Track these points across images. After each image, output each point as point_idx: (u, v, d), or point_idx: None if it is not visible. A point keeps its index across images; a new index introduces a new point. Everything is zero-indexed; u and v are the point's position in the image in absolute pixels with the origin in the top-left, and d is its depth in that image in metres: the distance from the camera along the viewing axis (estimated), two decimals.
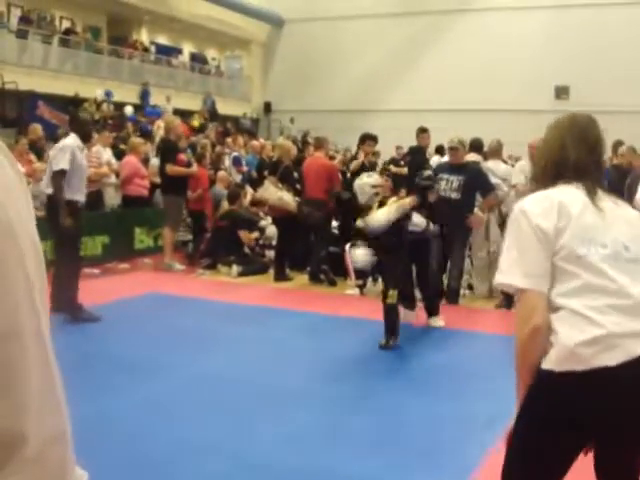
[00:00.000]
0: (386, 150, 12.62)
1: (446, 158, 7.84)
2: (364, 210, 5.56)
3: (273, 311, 6.78)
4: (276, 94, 25.17)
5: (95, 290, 7.07)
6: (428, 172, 6.53)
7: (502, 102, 20.73)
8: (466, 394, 4.50)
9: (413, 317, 5.97)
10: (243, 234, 8.99)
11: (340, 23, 23.62)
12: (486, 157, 7.85)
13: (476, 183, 6.95)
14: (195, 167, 9.06)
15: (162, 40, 24.50)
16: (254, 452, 3.52)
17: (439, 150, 10.32)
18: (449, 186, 6.93)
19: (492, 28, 21.47)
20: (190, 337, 5.68)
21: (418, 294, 6.30)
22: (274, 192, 8.33)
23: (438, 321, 6.31)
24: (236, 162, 12.60)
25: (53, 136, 11.88)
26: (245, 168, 12.42)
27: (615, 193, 2.04)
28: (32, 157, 9.08)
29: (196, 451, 3.49)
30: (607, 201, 1.93)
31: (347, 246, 5.71)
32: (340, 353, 5.36)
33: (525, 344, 1.86)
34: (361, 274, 5.82)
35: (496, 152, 7.97)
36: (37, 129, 10.73)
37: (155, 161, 9.98)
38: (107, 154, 9.94)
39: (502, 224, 7.80)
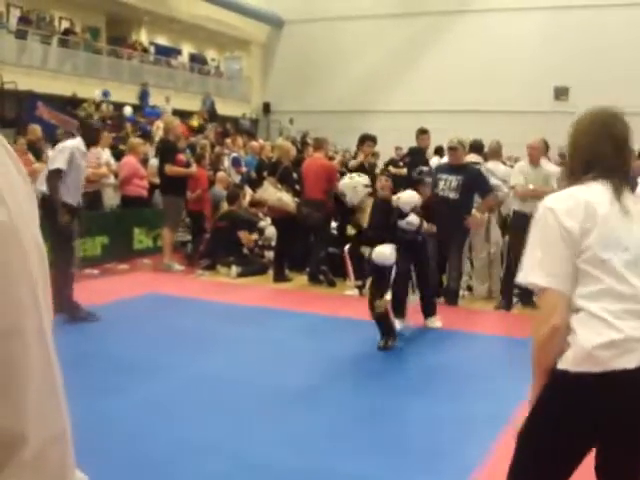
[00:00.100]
0: (385, 151, 12.62)
1: (445, 159, 7.85)
2: (357, 211, 5.47)
3: (272, 312, 6.78)
4: (275, 95, 25.17)
5: (94, 290, 7.07)
6: (423, 168, 6.58)
7: (501, 103, 20.75)
8: (465, 395, 4.50)
9: (402, 324, 5.90)
10: (243, 235, 8.99)
11: (339, 24, 23.62)
12: (486, 158, 7.86)
13: (475, 184, 6.95)
14: (194, 167, 9.06)
15: (161, 41, 24.50)
16: (254, 452, 3.52)
17: (438, 151, 10.32)
18: (447, 186, 6.93)
19: (492, 29, 21.48)
20: (189, 337, 5.68)
21: (413, 296, 6.32)
22: (273, 193, 8.33)
23: (435, 322, 6.29)
24: (235, 163, 12.60)
25: (52, 137, 11.89)
26: (244, 169, 12.42)
27: None
28: (31, 157, 9.09)
29: (196, 451, 3.49)
30: (631, 200, 1.92)
31: (346, 248, 5.68)
32: (339, 354, 5.36)
33: (543, 343, 1.87)
34: (361, 275, 5.75)
35: (496, 153, 7.99)
36: (36, 129, 10.72)
37: (154, 161, 9.98)
38: (106, 154, 9.95)
39: (502, 225, 7.82)
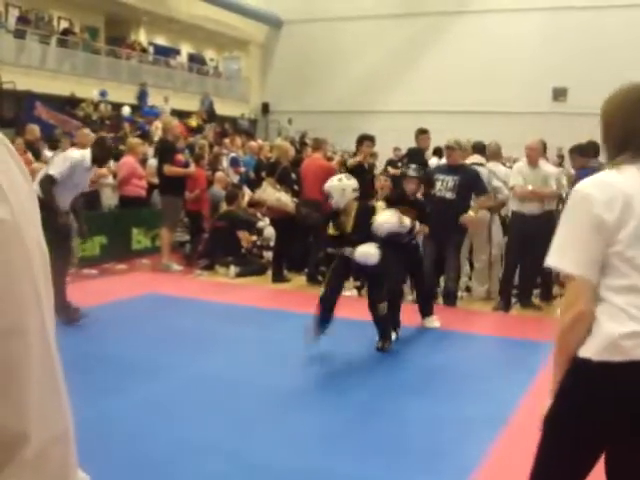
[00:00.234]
0: (384, 151, 12.61)
1: (444, 160, 7.85)
2: (342, 214, 5.33)
3: (271, 312, 6.78)
4: (274, 95, 25.17)
5: (93, 291, 7.07)
6: (412, 165, 6.60)
7: (500, 104, 20.77)
8: (464, 395, 4.51)
9: (395, 335, 5.81)
10: (243, 235, 8.99)
11: (339, 24, 23.63)
12: (487, 160, 7.88)
13: (471, 184, 6.94)
14: (193, 168, 9.06)
15: (160, 41, 24.48)
16: (254, 452, 3.52)
17: (437, 152, 10.32)
18: (444, 186, 6.94)
19: (491, 30, 21.50)
20: (188, 338, 5.68)
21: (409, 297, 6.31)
22: (272, 193, 8.32)
23: (433, 322, 6.30)
24: (234, 163, 12.60)
25: (50, 137, 11.88)
26: (243, 169, 12.42)
27: None
28: (30, 156, 9.09)
29: (196, 451, 3.49)
30: None
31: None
32: (338, 354, 5.37)
33: (567, 329, 1.88)
34: (360, 274, 5.72)
35: (495, 154, 8.01)
36: (35, 130, 10.72)
37: (153, 161, 9.97)
38: None
39: (503, 227, 7.83)
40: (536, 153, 7.02)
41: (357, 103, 22.87)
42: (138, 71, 20.49)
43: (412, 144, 8.74)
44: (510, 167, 8.39)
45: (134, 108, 17.89)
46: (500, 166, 7.93)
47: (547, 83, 21.04)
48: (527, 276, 7.26)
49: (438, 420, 4.07)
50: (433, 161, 9.35)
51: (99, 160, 6.09)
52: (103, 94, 17.28)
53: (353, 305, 6.35)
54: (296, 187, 8.67)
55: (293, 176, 8.73)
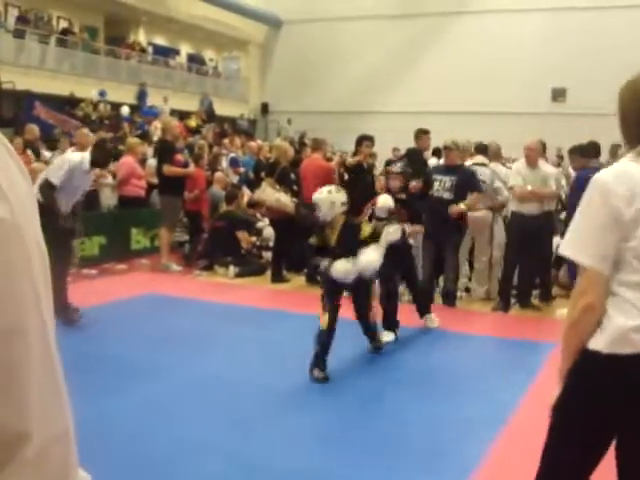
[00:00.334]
0: (383, 152, 12.61)
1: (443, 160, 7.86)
2: (327, 227, 5.06)
3: (270, 312, 6.78)
4: (274, 95, 25.17)
5: (93, 291, 7.07)
6: (399, 163, 6.62)
7: (499, 104, 20.79)
8: (463, 395, 4.51)
9: (393, 337, 5.78)
10: (242, 237, 8.99)
11: (338, 24, 23.64)
12: (489, 160, 7.90)
13: (468, 183, 6.94)
14: (192, 168, 9.06)
15: (159, 41, 24.48)
16: (253, 452, 3.52)
17: (436, 152, 10.32)
18: (442, 186, 6.94)
19: (490, 30, 21.51)
20: (188, 338, 5.68)
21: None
22: (271, 193, 8.32)
23: (433, 320, 6.30)
24: (233, 163, 12.60)
25: (49, 137, 11.88)
26: (242, 169, 12.42)
27: None
28: (30, 154, 9.09)
29: (196, 451, 3.50)
30: None
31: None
32: (337, 354, 5.35)
33: (575, 319, 1.87)
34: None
35: (496, 155, 8.02)
36: (34, 129, 10.71)
37: (152, 162, 9.97)
38: None
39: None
40: (535, 153, 7.02)
41: (356, 103, 22.88)
42: (137, 71, 20.50)
43: (411, 144, 8.72)
44: (510, 167, 8.39)
45: (133, 108, 17.89)
46: (500, 166, 7.94)
47: (546, 83, 21.06)
48: (526, 276, 7.27)
49: (437, 420, 4.07)
50: (432, 162, 9.35)
51: (100, 163, 6.04)
52: (102, 94, 17.28)
53: (352, 306, 6.35)
54: (295, 187, 8.66)
55: (292, 176, 8.72)
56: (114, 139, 12.63)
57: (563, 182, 7.60)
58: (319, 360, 4.77)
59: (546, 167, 7.23)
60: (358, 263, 4.91)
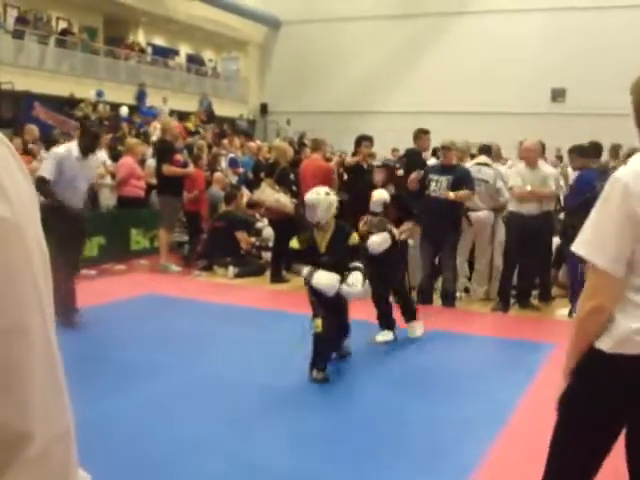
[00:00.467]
0: (383, 152, 12.61)
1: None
2: (316, 230, 4.93)
3: (270, 313, 6.78)
4: (273, 96, 25.18)
5: (92, 291, 7.06)
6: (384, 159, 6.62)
7: (499, 104, 20.80)
8: (463, 396, 4.51)
9: (392, 335, 5.72)
10: (242, 237, 8.99)
11: (337, 25, 23.65)
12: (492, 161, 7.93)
13: (463, 182, 6.96)
14: (191, 168, 9.06)
15: (159, 41, 24.49)
16: (253, 453, 3.53)
17: (435, 153, 10.32)
18: (439, 186, 6.95)
19: (490, 30, 21.52)
20: (188, 338, 5.68)
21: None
22: (271, 194, 8.32)
23: (415, 330, 5.85)
24: (232, 164, 12.60)
25: (49, 137, 11.86)
26: (241, 170, 12.42)
27: None
28: (31, 155, 9.09)
29: (196, 451, 3.50)
30: None
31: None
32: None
33: (584, 319, 1.87)
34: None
35: (496, 155, 8.04)
36: (33, 130, 10.71)
37: (151, 162, 9.97)
38: (103, 155, 9.93)
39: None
40: (534, 154, 7.03)
41: (356, 104, 22.88)
42: (136, 71, 20.50)
43: (411, 145, 8.72)
44: (510, 168, 8.41)
45: (132, 108, 17.88)
46: (501, 167, 7.97)
47: (546, 84, 21.08)
48: (526, 277, 7.27)
49: (437, 420, 4.07)
50: (432, 162, 9.34)
51: (90, 148, 5.98)
52: (100, 94, 17.28)
53: (352, 306, 6.35)
54: (295, 188, 8.66)
55: (292, 177, 8.72)
56: (113, 139, 12.62)
57: (562, 182, 7.60)
58: (318, 361, 4.74)
59: (546, 167, 7.23)
60: (345, 288, 4.74)
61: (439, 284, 7.41)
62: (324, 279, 4.71)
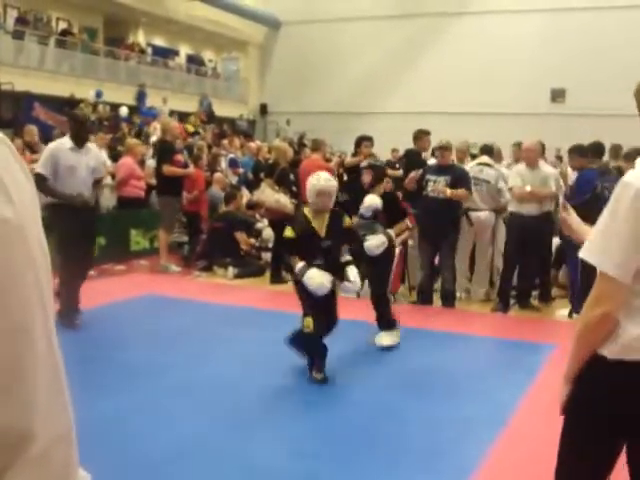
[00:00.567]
0: (382, 153, 12.61)
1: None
2: (313, 217, 4.88)
3: (269, 313, 6.78)
4: (273, 96, 25.19)
5: (92, 292, 7.05)
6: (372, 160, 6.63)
7: (498, 105, 20.81)
8: (463, 396, 4.51)
9: (396, 339, 5.64)
10: (242, 238, 8.98)
11: (337, 25, 23.66)
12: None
13: (460, 183, 6.96)
14: (191, 168, 9.06)
15: (159, 42, 24.50)
16: (253, 453, 3.53)
17: (434, 153, 10.32)
18: (436, 187, 6.95)
19: (489, 31, 21.54)
20: (187, 338, 5.68)
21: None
22: (271, 194, 8.32)
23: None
24: (232, 164, 12.60)
25: (48, 138, 11.86)
26: (241, 170, 12.42)
27: None
28: (32, 155, 9.08)
29: (196, 451, 3.50)
30: None
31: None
32: (336, 355, 5.35)
33: (590, 327, 1.84)
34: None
35: (497, 157, 8.05)
36: (33, 130, 10.69)
37: (151, 162, 9.97)
38: (103, 155, 9.93)
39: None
40: (534, 154, 7.03)
41: (355, 104, 22.90)
42: (136, 72, 20.51)
43: (410, 145, 8.73)
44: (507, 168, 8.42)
45: (132, 109, 17.88)
46: (502, 168, 7.98)
47: (546, 84, 21.09)
48: (526, 277, 7.27)
49: (437, 421, 4.07)
50: (432, 162, 9.35)
51: (78, 134, 5.89)
52: (99, 94, 17.28)
53: (351, 306, 6.36)
54: (294, 188, 8.66)
55: (292, 177, 8.72)
56: (113, 139, 12.63)
57: (561, 182, 7.59)
58: (316, 361, 4.73)
59: (546, 168, 7.23)
60: (347, 284, 4.76)
61: (439, 285, 7.40)
62: (316, 278, 4.61)
